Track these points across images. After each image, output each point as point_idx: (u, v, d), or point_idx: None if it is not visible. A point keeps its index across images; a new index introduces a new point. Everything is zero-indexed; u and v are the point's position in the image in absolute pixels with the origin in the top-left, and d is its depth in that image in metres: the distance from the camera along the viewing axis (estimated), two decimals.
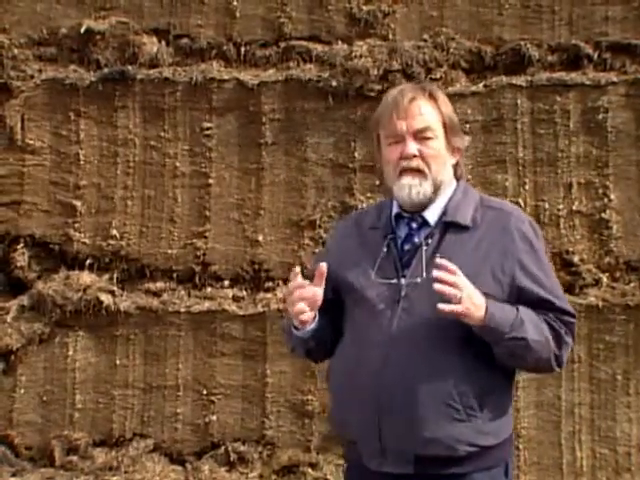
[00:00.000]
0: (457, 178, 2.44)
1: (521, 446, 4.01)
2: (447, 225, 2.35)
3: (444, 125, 2.39)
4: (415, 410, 2.24)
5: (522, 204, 4.10)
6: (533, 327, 2.26)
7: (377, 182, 4.21)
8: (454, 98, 4.12)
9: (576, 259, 4.11)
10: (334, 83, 4.21)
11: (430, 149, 2.35)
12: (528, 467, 4.01)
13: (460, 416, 2.24)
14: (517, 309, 2.27)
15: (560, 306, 2.32)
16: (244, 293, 4.28)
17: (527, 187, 4.13)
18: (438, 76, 4.17)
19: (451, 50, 4.22)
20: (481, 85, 4.17)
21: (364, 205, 4.22)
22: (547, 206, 4.13)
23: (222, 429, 4.18)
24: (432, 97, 2.40)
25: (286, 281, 4.26)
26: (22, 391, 4.24)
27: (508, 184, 4.14)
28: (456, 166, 2.42)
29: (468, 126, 4.12)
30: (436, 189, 2.36)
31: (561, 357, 2.32)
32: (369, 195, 4.23)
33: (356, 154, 4.23)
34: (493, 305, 2.23)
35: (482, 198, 2.43)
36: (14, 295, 4.33)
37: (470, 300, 2.18)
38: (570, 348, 2.35)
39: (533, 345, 2.24)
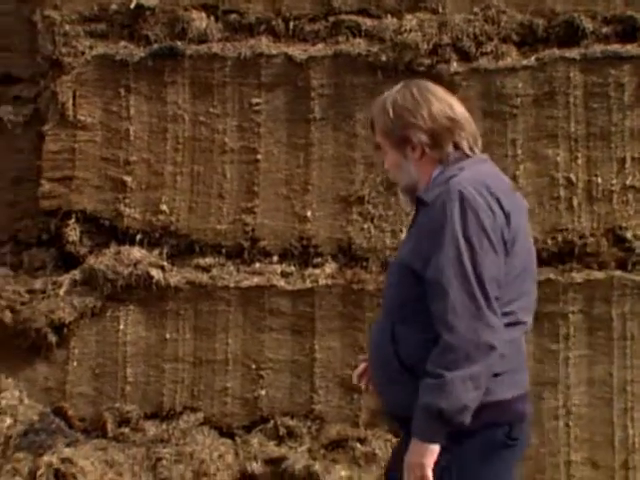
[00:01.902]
0: (446, 162, 2.46)
1: (572, 423, 3.98)
2: (418, 203, 2.47)
3: (385, 135, 2.54)
4: (375, 375, 2.52)
5: (574, 179, 4.06)
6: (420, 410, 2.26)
7: None
8: (505, 72, 4.09)
9: (629, 235, 4.05)
10: (383, 58, 4.18)
11: (387, 162, 2.59)
12: (579, 444, 3.98)
13: (399, 379, 2.38)
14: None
15: (435, 310, 2.29)
16: (292, 269, 4.29)
17: (579, 162, 4.07)
18: (489, 50, 4.12)
19: (502, 23, 4.16)
20: (533, 59, 4.11)
21: None
22: (600, 181, 4.07)
23: (271, 403, 4.21)
24: (375, 113, 2.60)
25: (335, 257, 4.27)
26: (75, 364, 4.30)
27: (559, 159, 4.08)
28: (427, 149, 2.47)
29: (519, 100, 4.07)
30: (410, 187, 2.52)
31: (443, 367, 2.25)
32: None
33: None
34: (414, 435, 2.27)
35: (451, 176, 2.41)
36: (66, 270, 4.38)
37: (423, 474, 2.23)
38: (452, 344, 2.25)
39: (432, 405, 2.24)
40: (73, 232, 4.39)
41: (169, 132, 4.35)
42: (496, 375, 2.29)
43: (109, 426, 4.22)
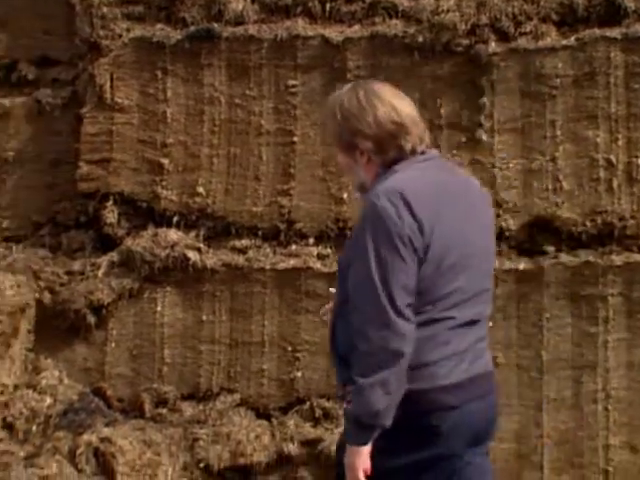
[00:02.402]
0: (388, 165, 2.54)
1: (610, 407, 3.96)
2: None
3: (334, 139, 2.65)
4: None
5: (614, 161, 4.01)
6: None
7: (463, 139, 4.16)
8: (544, 52, 4.04)
9: None
10: (420, 39, 4.15)
11: (340, 163, 2.71)
12: (618, 428, 3.95)
13: (337, 364, 2.57)
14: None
15: (351, 319, 2.44)
16: (329, 251, 4.29)
17: (620, 143, 4.02)
18: (528, 30, 4.07)
19: (541, 2, 4.10)
20: (573, 38, 4.04)
21: None
22: None
23: (307, 385, 4.22)
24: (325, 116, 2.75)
25: None
26: (113, 345, 4.34)
27: (599, 140, 4.03)
28: (372, 154, 2.55)
29: (559, 81, 4.03)
30: (362, 187, 2.62)
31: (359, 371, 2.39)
32: (455, 152, 4.17)
33: (442, 111, 4.17)
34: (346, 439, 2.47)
35: (382, 183, 2.50)
36: (104, 252, 4.42)
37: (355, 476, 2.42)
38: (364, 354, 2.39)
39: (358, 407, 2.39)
40: (111, 214, 4.42)
41: (206, 114, 4.36)
42: (411, 368, 2.39)
43: (147, 406, 4.26)
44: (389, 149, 2.53)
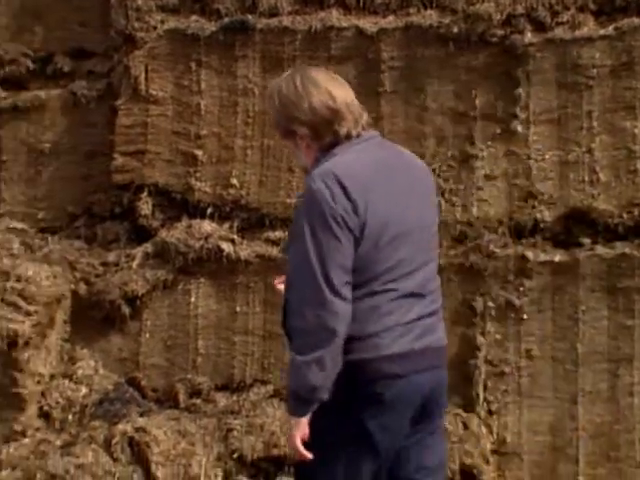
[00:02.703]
0: (326, 149, 2.64)
1: None
2: None
3: (276, 124, 2.78)
4: None
5: None
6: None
7: (498, 131, 4.13)
8: (581, 42, 4.00)
9: None
10: (455, 29, 4.12)
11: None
12: None
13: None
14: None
15: (289, 298, 2.58)
16: None
17: None
18: (565, 19, 4.02)
19: None
20: (611, 28, 3.98)
21: (484, 154, 4.15)
22: None
23: None
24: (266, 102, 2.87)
25: None
26: (147, 335, 4.37)
27: (637, 131, 3.98)
28: (309, 140, 2.65)
29: (596, 71, 3.98)
30: (307, 170, 2.71)
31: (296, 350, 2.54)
32: (489, 144, 4.15)
33: (477, 102, 4.15)
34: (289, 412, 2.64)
35: (319, 166, 2.61)
36: (139, 243, 4.44)
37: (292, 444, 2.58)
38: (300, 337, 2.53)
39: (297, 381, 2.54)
40: (145, 205, 4.44)
41: (239, 106, 4.36)
42: (356, 339, 2.52)
43: (181, 397, 4.29)
44: (325, 134, 2.62)
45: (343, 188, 2.50)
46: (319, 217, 2.48)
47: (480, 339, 4.06)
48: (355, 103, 2.68)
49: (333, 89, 2.64)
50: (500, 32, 4.07)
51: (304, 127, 2.62)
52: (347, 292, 2.49)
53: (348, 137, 2.63)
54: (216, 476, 3.98)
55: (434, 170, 4.17)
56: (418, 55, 4.20)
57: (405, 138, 4.22)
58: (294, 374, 2.53)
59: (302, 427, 2.56)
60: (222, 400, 4.26)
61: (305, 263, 2.48)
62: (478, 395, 4.04)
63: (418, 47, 4.20)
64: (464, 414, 4.00)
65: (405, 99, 4.23)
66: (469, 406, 4.05)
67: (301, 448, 2.56)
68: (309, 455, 2.56)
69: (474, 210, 4.16)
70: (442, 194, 4.17)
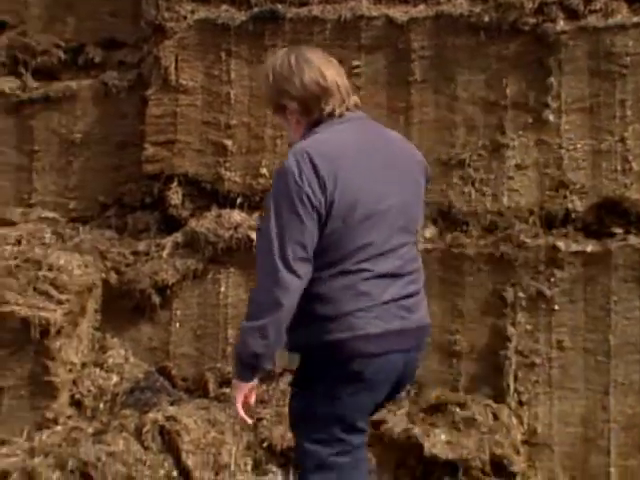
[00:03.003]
0: (312, 126, 2.72)
1: None
2: None
3: (268, 100, 2.87)
4: None
5: None
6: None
7: (530, 120, 4.10)
8: (614, 30, 3.96)
9: None
10: (486, 18, 4.09)
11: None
12: None
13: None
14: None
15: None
16: None
17: None
18: (598, 7, 3.99)
19: None
20: None
21: (515, 143, 4.13)
22: None
23: None
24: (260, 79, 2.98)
25: (434, 221, 4.23)
26: (177, 325, 4.39)
27: None
28: (298, 115, 2.74)
29: (629, 59, 3.95)
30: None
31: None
32: (521, 133, 4.12)
33: (508, 91, 4.12)
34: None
35: (304, 141, 2.69)
36: (169, 232, 4.46)
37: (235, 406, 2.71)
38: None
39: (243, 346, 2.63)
40: (175, 195, 4.46)
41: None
42: (332, 319, 2.60)
43: (211, 386, 4.30)
44: (313, 110, 2.71)
45: (313, 166, 2.56)
46: (285, 195, 2.56)
47: (511, 330, 4.04)
48: (345, 84, 2.75)
49: (325, 69, 2.72)
50: (532, 20, 4.04)
51: (294, 102, 2.71)
52: (300, 268, 2.55)
53: (331, 115, 2.71)
54: (246, 465, 4.00)
55: (464, 160, 4.17)
56: (449, 44, 4.18)
57: (435, 127, 4.21)
58: (240, 339, 2.65)
59: (243, 390, 2.68)
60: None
61: (265, 236, 2.58)
62: (508, 386, 4.02)
63: (449, 36, 4.18)
64: (494, 405, 3.99)
65: (435, 88, 4.21)
66: (499, 397, 4.04)
67: (241, 411, 2.69)
68: (249, 420, 2.74)
69: (505, 200, 4.14)
70: (472, 184, 4.16)
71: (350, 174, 2.60)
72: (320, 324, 2.61)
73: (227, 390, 4.28)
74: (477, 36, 4.13)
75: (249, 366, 2.64)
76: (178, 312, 4.39)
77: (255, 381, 2.71)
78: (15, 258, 4.31)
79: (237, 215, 4.35)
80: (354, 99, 2.78)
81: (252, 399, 2.74)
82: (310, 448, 2.70)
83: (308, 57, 2.75)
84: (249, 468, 4.02)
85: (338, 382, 2.63)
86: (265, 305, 2.56)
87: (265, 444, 4.05)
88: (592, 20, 4.00)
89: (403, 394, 4.12)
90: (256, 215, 4.36)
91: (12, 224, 4.57)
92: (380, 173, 2.67)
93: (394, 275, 2.66)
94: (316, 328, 2.62)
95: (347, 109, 2.73)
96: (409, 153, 2.87)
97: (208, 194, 4.45)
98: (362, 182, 2.61)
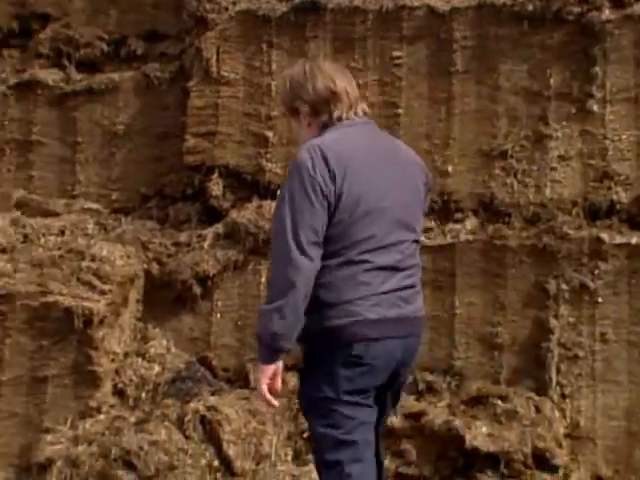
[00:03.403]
0: (322, 128, 2.91)
1: None
2: None
3: (284, 105, 3.10)
4: None
5: None
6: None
7: (573, 110, 4.06)
8: None
9: None
10: (530, 7, 4.06)
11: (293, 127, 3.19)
12: None
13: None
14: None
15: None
16: (433, 224, 4.25)
17: None
18: None
19: None
20: None
21: (559, 134, 4.09)
22: None
23: None
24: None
25: (476, 212, 4.21)
26: (218, 315, 4.40)
27: None
28: (310, 118, 2.93)
29: None
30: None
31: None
32: (564, 124, 4.09)
33: (551, 81, 4.09)
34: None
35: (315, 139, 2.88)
36: (210, 223, 4.48)
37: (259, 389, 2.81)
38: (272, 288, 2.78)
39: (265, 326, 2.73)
40: (216, 187, 4.47)
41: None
42: (332, 305, 2.74)
43: (251, 376, 4.31)
44: (322, 113, 2.91)
45: (324, 159, 2.74)
46: (298, 182, 2.73)
47: (553, 322, 4.00)
48: (354, 92, 2.97)
49: (336, 77, 2.94)
50: (577, 9, 4.00)
51: (306, 105, 2.92)
52: (312, 251, 2.71)
53: (339, 119, 2.91)
54: (286, 455, 4.01)
55: (506, 151, 4.13)
56: (491, 34, 4.15)
57: (477, 118, 4.19)
58: (259, 321, 2.78)
59: (267, 373, 2.77)
60: (292, 380, 4.25)
61: (280, 222, 2.74)
62: (551, 379, 3.99)
63: (491, 26, 4.15)
64: (536, 397, 3.96)
65: (477, 79, 4.19)
66: (541, 390, 4.01)
67: (266, 393, 2.78)
68: (274, 402, 2.81)
69: (547, 191, 4.11)
70: (515, 175, 4.13)
71: (357, 171, 2.78)
72: (321, 311, 2.75)
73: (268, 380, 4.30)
74: (520, 26, 4.09)
75: (270, 347, 2.74)
76: (219, 303, 4.41)
77: (279, 364, 2.78)
78: (59, 249, 4.36)
79: None
80: (362, 107, 2.98)
81: (278, 383, 2.80)
82: (322, 431, 2.81)
83: (321, 66, 3.01)
84: (289, 458, 4.03)
85: (339, 367, 2.75)
86: (282, 287, 2.70)
87: (305, 434, 4.04)
88: (638, 8, 3.94)
89: (444, 386, 4.14)
90: None
91: (56, 215, 4.62)
92: (383, 173, 2.86)
93: (393, 268, 2.82)
94: (317, 315, 2.75)
95: (355, 114, 2.94)
96: (412, 159, 3.05)
97: (249, 185, 4.46)
98: (367, 180, 2.80)
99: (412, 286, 2.89)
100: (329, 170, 2.73)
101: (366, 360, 2.76)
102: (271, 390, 2.78)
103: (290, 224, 2.70)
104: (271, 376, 2.78)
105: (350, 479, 2.75)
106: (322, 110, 2.90)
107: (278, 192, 2.93)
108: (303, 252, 2.69)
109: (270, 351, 2.75)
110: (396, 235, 2.84)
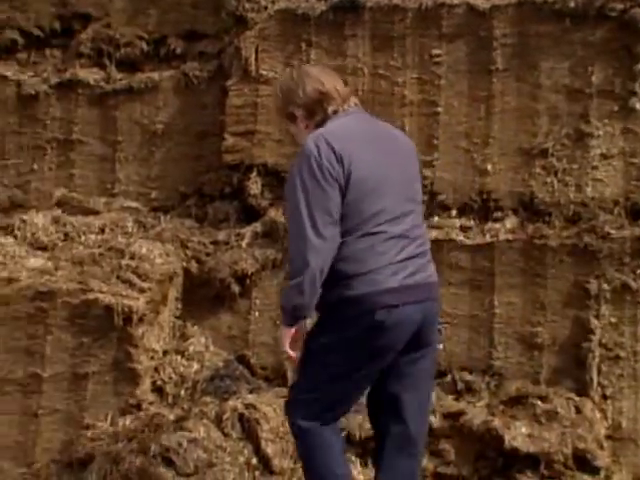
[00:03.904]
0: (319, 126, 3.14)
1: None
2: None
3: (280, 113, 3.35)
4: None
5: None
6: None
7: (615, 108, 4.02)
8: None
9: None
10: (572, 4, 4.03)
11: (291, 132, 3.39)
12: None
13: None
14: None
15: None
16: (472, 223, 4.23)
17: None
18: None
19: None
20: None
21: (600, 132, 4.05)
22: None
23: (448, 357, 4.19)
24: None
25: (516, 211, 4.18)
26: (257, 314, 4.41)
27: None
28: (306, 120, 3.18)
29: None
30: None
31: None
32: (606, 121, 4.05)
33: (593, 78, 4.05)
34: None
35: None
36: (248, 222, 4.49)
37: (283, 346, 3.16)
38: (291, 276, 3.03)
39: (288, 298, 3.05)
40: (255, 185, 4.48)
41: (349, 85, 4.33)
42: (354, 275, 2.99)
43: (289, 375, 4.32)
44: (317, 112, 3.15)
45: (329, 144, 2.98)
46: (307, 169, 2.97)
47: (594, 322, 3.97)
48: (343, 89, 3.22)
49: (323, 78, 3.19)
50: (619, 6, 3.96)
51: (300, 108, 3.16)
52: (327, 231, 2.95)
53: (335, 112, 3.14)
54: None
55: (547, 149, 4.10)
56: (532, 32, 4.12)
57: (517, 116, 4.16)
58: (283, 293, 3.14)
59: (289, 334, 3.10)
60: None
61: (296, 208, 2.97)
62: (592, 379, 3.95)
63: (532, 23, 4.12)
64: (577, 398, 3.93)
65: (518, 77, 4.16)
66: (582, 390, 3.97)
67: (289, 349, 3.12)
68: (293, 354, 3.12)
69: (588, 190, 4.07)
70: (555, 174, 4.10)
71: (360, 152, 3.03)
72: (343, 282, 3.00)
73: None
74: (562, 23, 4.06)
75: (291, 315, 3.06)
76: (257, 301, 4.42)
77: (301, 325, 3.13)
78: (99, 247, 4.40)
79: None
80: (354, 100, 3.24)
81: (300, 341, 3.13)
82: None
83: (307, 71, 3.28)
84: None
85: (364, 331, 3.00)
86: (299, 266, 2.96)
87: (343, 434, 4.04)
88: None
89: (483, 386, 4.12)
90: None
91: (96, 213, 4.66)
92: (384, 152, 3.11)
93: (405, 237, 3.06)
94: (339, 286, 3.01)
95: (349, 106, 3.18)
96: (404, 139, 3.34)
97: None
98: (370, 158, 3.04)
99: (424, 254, 3.13)
100: (334, 154, 2.97)
101: (388, 325, 2.99)
102: (292, 345, 3.11)
103: (305, 209, 2.94)
104: (293, 336, 3.10)
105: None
106: (316, 110, 3.15)
107: (287, 181, 3.14)
108: (319, 234, 2.94)
109: (292, 318, 3.07)
110: (403, 207, 3.08)
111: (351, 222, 3.00)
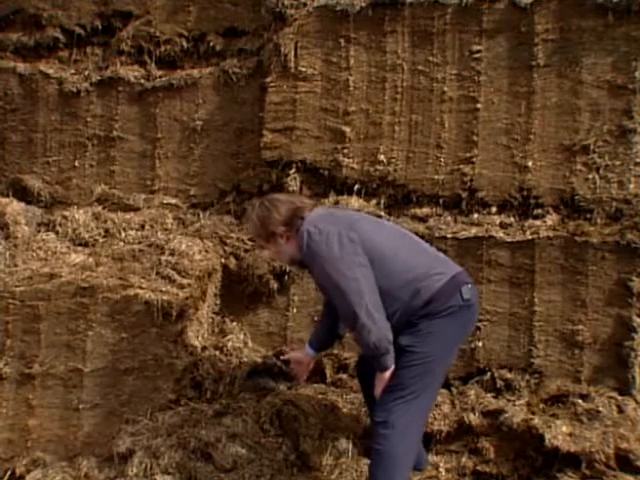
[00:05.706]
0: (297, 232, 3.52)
1: None
2: (303, 264, 3.58)
3: (260, 238, 3.67)
4: None
5: None
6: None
7: None
8: None
9: None
10: None
11: (271, 253, 3.80)
12: None
13: None
14: None
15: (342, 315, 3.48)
16: (512, 220, 4.20)
17: None
18: None
19: None
20: None
21: None
22: None
23: (488, 355, 4.17)
24: (249, 227, 4.03)
25: (556, 208, 4.14)
26: (294, 310, 4.42)
27: None
28: (286, 233, 3.55)
29: None
30: (293, 260, 3.64)
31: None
32: None
33: (637, 74, 4.00)
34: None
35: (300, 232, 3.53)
36: None
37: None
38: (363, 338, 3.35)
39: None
40: (293, 182, 4.48)
41: (388, 82, 4.34)
42: (420, 279, 3.38)
43: (328, 372, 4.32)
44: (295, 223, 3.52)
45: (333, 221, 3.46)
46: (337, 253, 3.35)
47: (636, 320, 3.92)
48: (309, 201, 3.66)
49: (292, 198, 3.65)
50: None
51: (279, 226, 3.53)
52: (377, 314, 3.33)
53: (310, 211, 3.56)
54: (363, 450, 3.99)
55: (588, 145, 4.06)
56: (574, 27, 4.07)
57: (558, 112, 4.12)
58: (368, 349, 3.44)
59: (387, 373, 3.43)
60: None
61: (343, 296, 3.35)
62: (634, 378, 3.91)
63: (574, 19, 4.07)
64: (619, 397, 3.89)
65: (559, 72, 4.12)
66: (624, 389, 3.93)
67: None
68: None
69: (631, 187, 4.02)
70: (597, 170, 4.05)
71: (355, 223, 3.46)
72: (414, 291, 3.38)
73: (344, 376, 4.31)
74: (604, 18, 4.01)
75: (384, 359, 3.41)
76: (295, 298, 4.43)
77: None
78: (139, 243, 4.43)
79: (355, 201, 4.36)
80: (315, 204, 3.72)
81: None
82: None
83: (275, 197, 3.66)
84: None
85: (459, 317, 3.40)
86: (366, 336, 3.35)
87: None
88: None
89: (523, 384, 4.08)
90: (374, 202, 4.36)
91: (136, 210, 4.69)
92: (364, 217, 3.66)
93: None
94: (415, 295, 3.38)
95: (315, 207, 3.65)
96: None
97: (326, 180, 4.46)
98: (365, 224, 3.50)
99: (439, 255, 3.61)
100: (342, 226, 3.40)
101: (473, 300, 3.44)
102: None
103: (354, 295, 3.33)
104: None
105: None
106: (294, 221, 3.52)
107: (315, 269, 3.45)
108: (372, 320, 3.31)
109: (385, 360, 3.39)
110: (422, 253, 3.53)
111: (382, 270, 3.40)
